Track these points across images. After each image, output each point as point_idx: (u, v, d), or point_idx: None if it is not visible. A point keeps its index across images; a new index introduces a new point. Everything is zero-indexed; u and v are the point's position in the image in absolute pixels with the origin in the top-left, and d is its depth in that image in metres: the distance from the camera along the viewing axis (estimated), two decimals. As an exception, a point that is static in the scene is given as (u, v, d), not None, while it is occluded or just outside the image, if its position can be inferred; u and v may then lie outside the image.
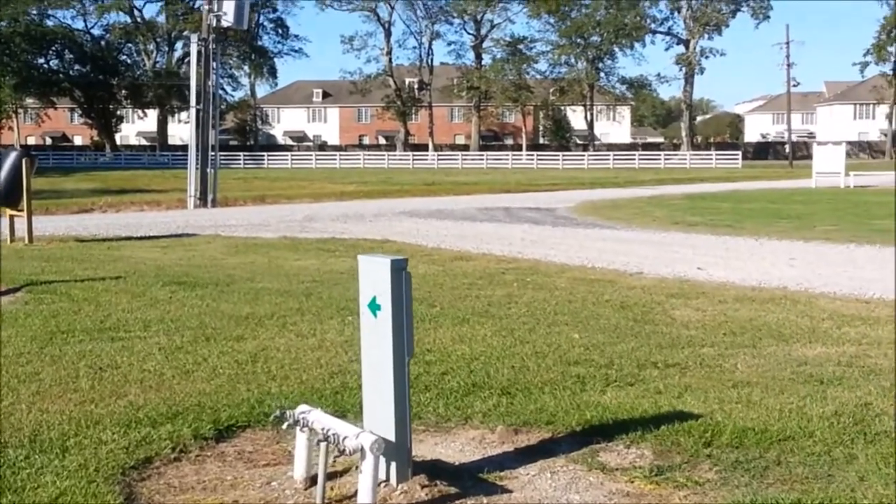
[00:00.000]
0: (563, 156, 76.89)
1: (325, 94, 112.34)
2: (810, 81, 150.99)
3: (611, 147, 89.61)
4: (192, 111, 25.68)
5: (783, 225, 18.18)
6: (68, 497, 3.64)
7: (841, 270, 11.12)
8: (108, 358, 6.03)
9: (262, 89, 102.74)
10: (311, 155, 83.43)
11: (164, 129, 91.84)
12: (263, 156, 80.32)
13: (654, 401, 5.00)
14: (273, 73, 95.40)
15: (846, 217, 20.10)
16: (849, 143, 54.26)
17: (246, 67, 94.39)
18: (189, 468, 4.05)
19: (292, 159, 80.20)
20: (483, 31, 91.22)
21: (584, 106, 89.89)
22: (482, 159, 77.20)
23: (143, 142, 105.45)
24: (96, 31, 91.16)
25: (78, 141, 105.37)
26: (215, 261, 12.15)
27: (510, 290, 9.27)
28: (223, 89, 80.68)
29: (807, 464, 4.00)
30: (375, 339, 3.77)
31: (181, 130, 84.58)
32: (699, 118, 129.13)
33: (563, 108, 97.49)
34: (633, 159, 75.01)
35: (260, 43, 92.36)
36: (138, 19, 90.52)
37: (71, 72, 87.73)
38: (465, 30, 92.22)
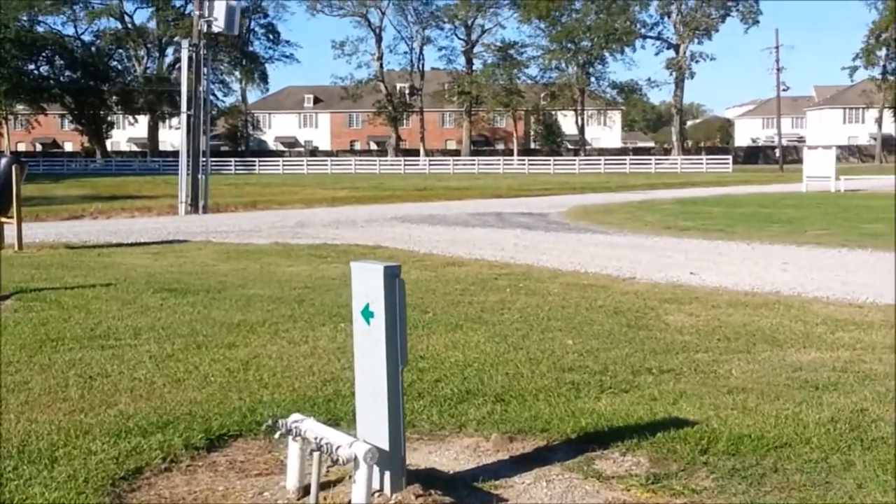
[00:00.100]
0: (555, 160, 76.90)
1: (317, 100, 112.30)
2: (800, 86, 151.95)
3: (602, 152, 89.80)
4: (183, 117, 25.60)
5: (775, 229, 18.20)
6: (57, 509, 3.59)
7: (833, 275, 11.12)
8: (98, 366, 5.98)
9: (254, 95, 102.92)
10: (302, 160, 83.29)
11: (154, 134, 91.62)
12: (255, 161, 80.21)
13: (650, 407, 4.97)
14: (264, 78, 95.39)
15: (837, 221, 20.13)
16: (839, 147, 54.35)
17: (237, 73, 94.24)
18: (180, 478, 4.00)
19: (283, 165, 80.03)
20: (474, 36, 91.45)
21: (575, 111, 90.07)
22: (473, 164, 77.24)
23: (134, 148, 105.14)
24: (87, 37, 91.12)
25: (68, 147, 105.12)
26: (206, 267, 12.08)
27: (503, 295, 9.24)
28: (214, 95, 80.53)
29: (804, 471, 3.97)
30: (369, 347, 3.73)
31: (172, 136, 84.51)
32: (690, 123, 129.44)
33: (553, 112, 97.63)
34: (624, 164, 75.09)
35: (251, 48, 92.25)
36: (129, 25, 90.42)
37: (61, 78, 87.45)
38: (456, 35, 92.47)
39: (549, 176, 63.92)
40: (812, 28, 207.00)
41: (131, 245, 15.51)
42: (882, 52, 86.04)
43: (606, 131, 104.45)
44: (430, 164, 78.11)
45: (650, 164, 74.89)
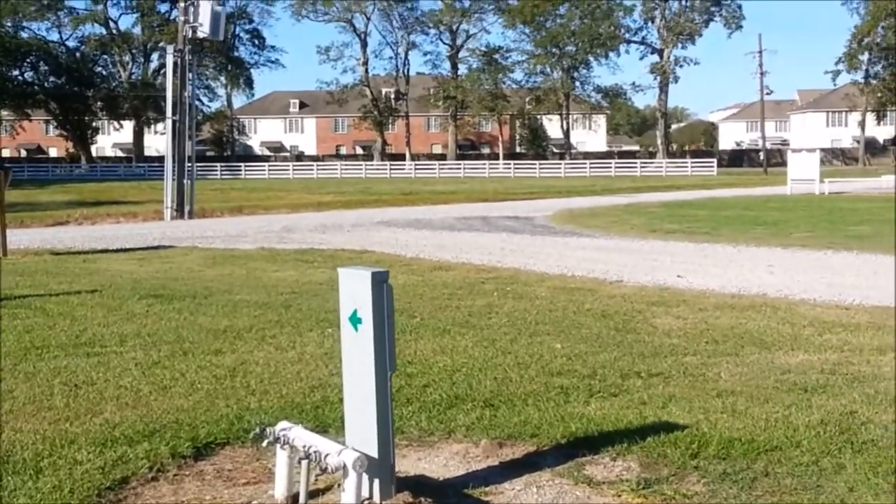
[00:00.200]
0: (540, 164, 77.07)
1: (302, 105, 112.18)
2: (783, 90, 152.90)
3: (587, 155, 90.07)
4: (169, 122, 25.48)
5: (760, 231, 18.26)
6: (42, 520, 3.54)
7: (819, 277, 11.16)
8: (83, 374, 5.92)
9: (239, 100, 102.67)
10: (288, 165, 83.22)
11: (140, 140, 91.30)
12: (240, 166, 79.98)
13: (639, 411, 4.95)
14: (249, 83, 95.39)
15: (822, 223, 20.22)
16: (822, 150, 54.62)
17: (222, 78, 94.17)
18: (167, 488, 3.96)
19: (269, 170, 79.93)
20: (459, 42, 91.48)
21: (560, 115, 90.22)
22: (459, 168, 77.33)
23: (119, 153, 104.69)
24: (71, 43, 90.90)
25: (53, 153, 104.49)
26: (192, 273, 12.02)
27: (490, 299, 9.22)
28: (199, 100, 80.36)
29: (795, 474, 3.97)
30: (357, 354, 3.70)
31: (157, 142, 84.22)
32: (674, 126, 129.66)
33: (539, 117, 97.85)
34: (610, 167, 75.31)
35: (236, 54, 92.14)
36: (114, 31, 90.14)
37: (46, 83, 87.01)
38: (441, 40, 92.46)
39: (535, 180, 64.01)
40: (795, 32, 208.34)
41: (116, 251, 15.41)
42: (864, 56, 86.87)
43: (591, 135, 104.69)
44: (415, 169, 78.15)
45: (635, 167, 75.08)
